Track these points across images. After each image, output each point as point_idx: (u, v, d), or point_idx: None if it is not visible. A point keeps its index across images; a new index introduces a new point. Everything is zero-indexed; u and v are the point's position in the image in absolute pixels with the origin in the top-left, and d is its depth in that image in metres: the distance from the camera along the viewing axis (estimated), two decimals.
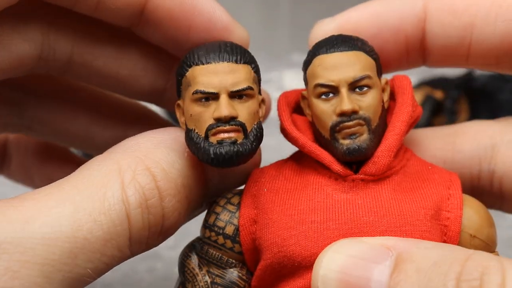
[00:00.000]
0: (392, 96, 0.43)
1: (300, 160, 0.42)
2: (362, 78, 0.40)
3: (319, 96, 0.40)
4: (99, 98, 0.52)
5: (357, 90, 0.40)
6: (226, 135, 0.39)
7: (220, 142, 0.39)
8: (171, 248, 0.67)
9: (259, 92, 0.41)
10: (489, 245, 0.40)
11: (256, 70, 0.41)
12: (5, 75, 0.43)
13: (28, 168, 0.55)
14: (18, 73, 0.44)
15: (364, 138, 0.39)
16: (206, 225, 0.42)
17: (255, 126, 0.40)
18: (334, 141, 0.40)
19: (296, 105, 0.44)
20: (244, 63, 0.40)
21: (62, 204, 0.36)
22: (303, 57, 0.43)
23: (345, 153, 0.39)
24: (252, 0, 1.15)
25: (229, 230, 0.41)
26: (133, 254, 0.39)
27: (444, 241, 0.39)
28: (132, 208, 0.38)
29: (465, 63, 0.45)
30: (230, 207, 0.42)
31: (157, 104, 0.50)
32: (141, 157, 0.39)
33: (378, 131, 0.40)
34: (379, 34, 0.44)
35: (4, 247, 0.34)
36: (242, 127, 0.39)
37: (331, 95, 0.40)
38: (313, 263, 0.37)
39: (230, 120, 0.39)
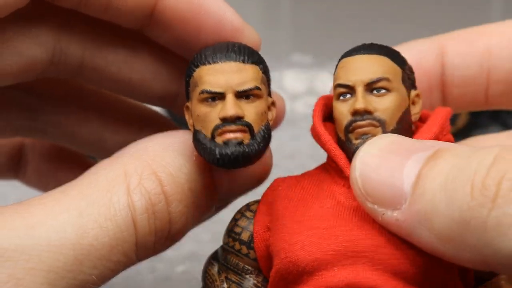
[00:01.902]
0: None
1: (322, 170, 0.42)
2: (379, 80, 0.39)
3: (338, 97, 0.40)
4: (111, 102, 0.52)
5: (375, 92, 0.39)
6: (232, 135, 0.38)
7: (226, 143, 0.38)
8: (172, 248, 0.67)
9: (269, 94, 0.41)
10: None
11: (265, 71, 0.41)
12: (16, 79, 0.43)
13: (44, 174, 0.55)
14: (29, 77, 0.44)
15: None
16: (226, 231, 0.42)
17: (263, 127, 0.39)
18: (348, 142, 0.40)
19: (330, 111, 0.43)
20: (252, 63, 0.40)
21: (67, 210, 0.36)
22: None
23: (353, 152, 0.39)
24: (253, 0, 1.15)
25: (245, 236, 0.41)
26: (139, 259, 0.39)
27: None
28: (138, 214, 0.37)
29: (484, 96, 0.45)
30: (248, 213, 0.42)
31: (170, 109, 0.50)
32: (148, 161, 0.39)
33: None
34: None
35: (9, 254, 0.34)
36: (249, 127, 0.39)
37: (348, 95, 0.40)
38: (316, 268, 0.37)
39: (237, 120, 0.38)
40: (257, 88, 0.39)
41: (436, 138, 0.40)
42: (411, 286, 0.36)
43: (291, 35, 1.16)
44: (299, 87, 1.00)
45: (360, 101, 0.39)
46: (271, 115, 0.41)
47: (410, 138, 0.37)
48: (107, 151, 0.48)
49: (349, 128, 0.39)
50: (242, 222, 0.41)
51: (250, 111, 0.39)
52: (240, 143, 0.38)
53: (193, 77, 0.40)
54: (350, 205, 0.39)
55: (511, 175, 0.31)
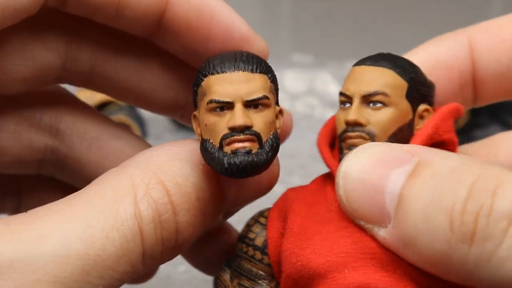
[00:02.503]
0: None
1: (327, 177, 0.42)
2: (375, 94, 0.39)
3: (340, 104, 0.41)
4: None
5: (371, 105, 0.40)
6: (240, 144, 0.38)
7: (235, 152, 0.38)
8: None
9: (277, 103, 0.41)
10: None
11: (273, 80, 0.40)
12: (28, 85, 0.43)
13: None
14: (42, 83, 0.44)
15: None
16: (239, 238, 0.43)
17: (271, 136, 0.39)
18: (341, 151, 0.40)
19: None
20: (260, 72, 0.40)
21: (74, 221, 0.36)
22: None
23: (340, 162, 0.39)
24: (253, 0, 1.15)
25: (259, 241, 0.42)
26: (146, 269, 0.38)
27: None
28: (145, 224, 0.37)
29: None
30: (262, 219, 0.42)
31: (179, 119, 0.49)
32: (155, 171, 0.38)
33: None
34: (432, 72, 0.44)
35: (16, 266, 0.34)
36: (257, 136, 0.38)
37: (348, 105, 0.40)
38: (327, 270, 0.37)
39: (245, 129, 0.38)
40: (266, 97, 0.39)
41: (430, 139, 0.40)
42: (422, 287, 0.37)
43: (291, 35, 1.16)
44: (299, 87, 1.00)
45: (352, 113, 0.40)
46: (279, 123, 0.41)
47: (391, 146, 0.37)
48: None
49: (342, 137, 0.40)
50: (256, 228, 0.42)
51: (259, 120, 0.39)
52: (249, 152, 0.38)
53: (201, 86, 0.40)
54: None
55: (486, 209, 0.32)
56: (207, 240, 0.47)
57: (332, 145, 0.43)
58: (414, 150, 0.36)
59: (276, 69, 0.41)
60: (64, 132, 0.47)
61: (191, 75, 0.44)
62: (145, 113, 0.93)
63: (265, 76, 0.40)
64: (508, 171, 0.33)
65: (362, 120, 0.39)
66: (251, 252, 0.42)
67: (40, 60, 0.43)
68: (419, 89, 0.41)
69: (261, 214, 0.43)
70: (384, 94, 0.40)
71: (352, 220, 0.38)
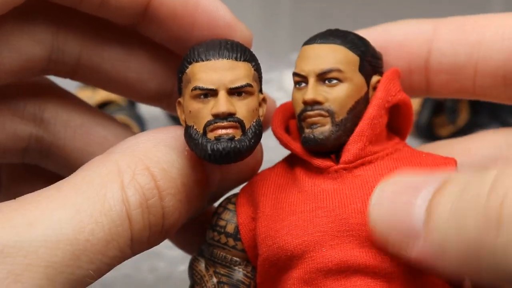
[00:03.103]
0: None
1: (292, 159, 0.43)
2: (330, 71, 0.40)
3: (295, 85, 0.41)
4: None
5: (327, 82, 0.40)
6: (224, 131, 0.39)
7: (218, 138, 0.39)
8: (173, 248, 0.67)
9: (260, 91, 0.42)
10: None
11: (257, 68, 0.41)
12: (15, 77, 0.44)
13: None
14: (28, 75, 0.45)
15: (324, 129, 0.40)
16: (209, 226, 0.43)
17: (254, 123, 0.40)
18: (301, 130, 0.41)
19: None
20: (244, 60, 0.40)
21: (63, 207, 0.36)
22: None
23: (303, 141, 0.40)
24: (252, 0, 1.15)
25: (230, 228, 0.42)
26: (134, 253, 0.39)
27: None
28: (132, 209, 0.38)
29: (471, 86, 0.45)
30: (230, 206, 0.42)
31: (164, 108, 0.50)
32: (141, 157, 0.39)
33: (346, 125, 0.40)
34: (384, 47, 0.45)
35: (7, 251, 0.34)
36: (240, 123, 0.39)
37: (303, 84, 0.41)
38: (304, 250, 0.38)
39: (228, 116, 0.39)
40: (249, 85, 0.40)
41: (386, 101, 0.41)
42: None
43: (291, 35, 1.16)
44: None
45: (310, 92, 0.40)
46: (262, 111, 0.41)
47: (418, 175, 0.37)
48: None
49: (301, 117, 0.41)
50: (226, 215, 0.42)
51: (242, 108, 0.39)
52: (232, 139, 0.39)
53: (186, 73, 0.40)
54: (328, 188, 0.40)
55: (510, 196, 0.31)
56: (193, 226, 0.47)
57: (286, 130, 0.43)
58: (442, 173, 0.36)
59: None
60: (49, 121, 0.48)
61: (176, 63, 0.45)
62: (145, 113, 0.93)
63: (249, 64, 0.41)
64: None
65: (320, 98, 0.40)
66: (223, 239, 0.42)
67: (26, 52, 0.43)
68: (370, 61, 0.42)
69: (229, 200, 0.43)
70: (339, 70, 0.40)
71: (326, 199, 0.39)
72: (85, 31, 0.45)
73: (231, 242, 0.42)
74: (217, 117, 0.39)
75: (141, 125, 0.92)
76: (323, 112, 0.40)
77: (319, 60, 0.40)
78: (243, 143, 0.39)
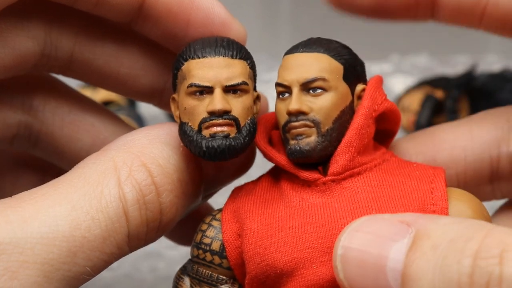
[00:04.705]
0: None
1: (276, 172, 0.42)
2: (314, 80, 0.39)
3: (278, 95, 0.40)
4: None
5: (311, 92, 0.39)
6: (219, 128, 0.39)
7: (213, 136, 0.39)
8: (173, 248, 0.67)
9: (255, 89, 0.42)
10: None
11: (252, 66, 0.41)
12: (8, 73, 0.44)
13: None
14: (21, 70, 0.45)
15: (310, 140, 0.39)
16: (194, 244, 0.42)
17: (249, 121, 0.40)
18: (286, 142, 0.40)
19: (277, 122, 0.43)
20: (240, 58, 0.40)
21: (59, 203, 0.37)
22: None
23: (288, 153, 0.40)
24: (253, 0, 1.15)
25: (216, 246, 0.41)
26: (131, 250, 0.39)
27: None
28: (129, 205, 0.38)
29: (477, 24, 0.43)
30: (215, 223, 0.41)
31: (156, 104, 0.50)
32: (137, 153, 0.39)
33: (332, 135, 0.39)
34: None
35: (3, 248, 0.35)
36: (235, 121, 0.39)
37: (286, 94, 0.40)
38: (294, 268, 0.37)
39: (224, 114, 0.39)
40: (245, 83, 0.40)
41: (372, 111, 0.40)
42: None
43: (291, 35, 1.16)
44: None
45: (294, 102, 0.39)
46: (256, 108, 0.41)
47: (383, 217, 0.35)
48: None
49: (286, 128, 0.40)
50: (210, 233, 0.41)
51: (237, 105, 0.40)
52: (227, 136, 0.39)
53: (181, 70, 0.40)
54: (316, 202, 0.39)
55: (495, 279, 0.30)
56: (187, 221, 0.47)
57: (269, 142, 0.42)
58: (407, 220, 0.34)
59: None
60: (37, 108, 0.48)
61: (169, 60, 0.45)
62: (145, 113, 0.93)
63: (245, 62, 0.41)
64: (511, 230, 0.32)
65: (305, 108, 0.39)
66: (209, 257, 0.41)
67: (20, 48, 0.43)
68: (354, 70, 0.41)
69: (213, 217, 0.42)
70: (323, 79, 0.39)
71: (315, 214, 0.38)
72: (79, 27, 0.46)
73: (217, 260, 0.41)
74: (213, 114, 0.39)
75: (141, 124, 0.92)
76: (308, 123, 0.39)
77: (302, 69, 0.39)
78: (237, 141, 0.39)
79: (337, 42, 0.41)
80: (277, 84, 0.40)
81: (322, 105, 0.39)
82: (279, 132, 0.41)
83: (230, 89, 0.40)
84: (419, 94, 0.92)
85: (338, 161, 0.39)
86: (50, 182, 0.38)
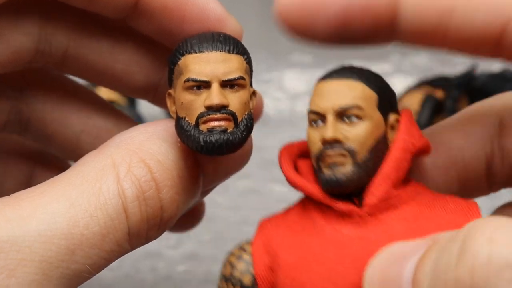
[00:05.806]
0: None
1: (306, 203, 0.41)
2: (350, 107, 0.38)
3: (311, 123, 0.40)
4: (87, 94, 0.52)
5: (346, 120, 0.39)
6: (216, 123, 0.39)
7: (211, 130, 0.39)
8: (173, 248, 0.67)
9: (251, 84, 0.42)
10: None
11: (249, 62, 0.41)
12: (2, 69, 0.44)
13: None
14: (15, 66, 0.45)
15: (345, 170, 0.38)
16: (223, 278, 0.41)
17: (246, 116, 0.40)
18: (319, 172, 0.39)
19: (301, 152, 0.42)
20: (237, 53, 0.40)
21: (57, 201, 0.36)
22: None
23: (323, 183, 0.39)
24: (253, 0, 1.15)
25: (247, 280, 0.40)
26: (132, 248, 0.39)
27: None
28: (129, 202, 0.38)
29: (441, 44, 0.40)
30: (245, 256, 0.40)
31: (150, 101, 0.50)
32: (135, 150, 0.39)
33: (368, 165, 0.38)
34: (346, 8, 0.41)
35: (1, 246, 0.34)
36: (233, 116, 0.39)
37: (320, 122, 0.39)
38: None
39: (221, 108, 0.39)
40: (242, 78, 0.40)
41: (410, 144, 0.39)
42: None
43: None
44: (299, 87, 1.00)
45: (329, 130, 0.38)
46: (252, 104, 0.41)
47: (409, 241, 0.35)
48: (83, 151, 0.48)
49: (320, 157, 0.39)
50: (240, 265, 0.40)
51: (234, 100, 0.40)
52: (224, 131, 0.39)
53: (178, 65, 0.40)
54: (351, 234, 0.38)
55: (483, 259, 0.30)
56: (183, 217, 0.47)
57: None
58: (430, 236, 0.34)
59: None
60: (28, 94, 0.48)
61: (164, 55, 0.45)
62: (145, 113, 0.93)
63: (241, 57, 0.41)
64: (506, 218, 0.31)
65: (340, 137, 0.38)
66: None
67: (15, 44, 0.43)
68: (387, 98, 0.40)
69: (242, 249, 0.41)
70: (359, 107, 0.38)
71: (351, 247, 0.37)
72: (73, 23, 0.45)
73: None
74: (210, 109, 0.39)
75: None
76: (343, 152, 0.38)
77: (337, 97, 0.38)
78: (235, 136, 0.39)
79: (368, 69, 0.40)
80: (311, 112, 0.40)
81: (357, 133, 0.38)
82: (310, 161, 0.41)
83: (227, 84, 0.40)
84: (419, 94, 0.92)
85: (374, 192, 0.38)
86: (48, 181, 0.38)
